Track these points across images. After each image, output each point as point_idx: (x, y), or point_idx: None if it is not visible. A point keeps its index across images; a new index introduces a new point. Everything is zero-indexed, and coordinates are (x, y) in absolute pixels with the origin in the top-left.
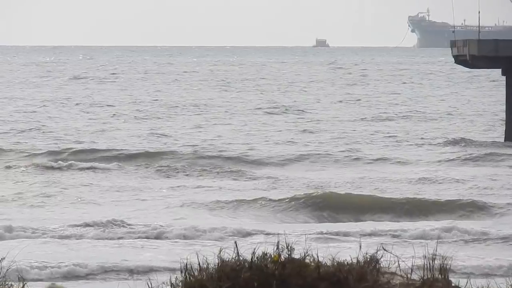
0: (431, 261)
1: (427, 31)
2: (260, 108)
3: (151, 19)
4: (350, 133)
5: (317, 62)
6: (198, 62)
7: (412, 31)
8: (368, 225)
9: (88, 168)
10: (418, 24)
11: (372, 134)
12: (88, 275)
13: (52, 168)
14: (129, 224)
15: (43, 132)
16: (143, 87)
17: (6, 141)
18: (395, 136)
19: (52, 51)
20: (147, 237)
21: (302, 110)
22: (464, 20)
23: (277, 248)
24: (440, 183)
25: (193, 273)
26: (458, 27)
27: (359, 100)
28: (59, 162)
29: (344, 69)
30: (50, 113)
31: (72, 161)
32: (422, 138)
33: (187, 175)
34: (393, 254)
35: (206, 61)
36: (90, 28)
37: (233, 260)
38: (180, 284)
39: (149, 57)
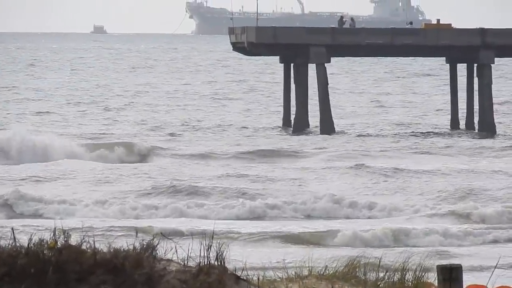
0: (207, 249)
1: (206, 17)
2: None
3: None
4: None
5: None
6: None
7: (191, 17)
8: None
9: None
10: (197, 10)
11: None
12: None
13: None
14: None
15: None
16: None
17: None
18: None
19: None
20: None
21: None
22: (242, 7)
23: (54, 234)
24: None
25: None
26: (236, 14)
27: None
28: None
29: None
30: None
31: None
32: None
33: None
34: (172, 240)
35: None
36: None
37: (10, 246)
38: None
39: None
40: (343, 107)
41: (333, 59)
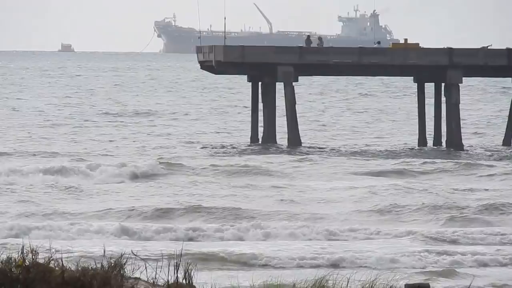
0: (175, 267)
1: (174, 36)
2: None
3: None
4: None
5: None
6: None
7: (159, 36)
8: None
9: None
10: (165, 29)
11: None
12: None
13: None
14: None
15: None
16: None
17: None
18: None
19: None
20: None
21: None
22: (211, 26)
23: (22, 252)
24: None
25: None
26: (204, 33)
27: None
28: None
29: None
30: None
31: None
32: None
33: None
34: (140, 258)
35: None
36: None
37: None
38: None
39: None
40: (316, 123)
41: (313, 78)
